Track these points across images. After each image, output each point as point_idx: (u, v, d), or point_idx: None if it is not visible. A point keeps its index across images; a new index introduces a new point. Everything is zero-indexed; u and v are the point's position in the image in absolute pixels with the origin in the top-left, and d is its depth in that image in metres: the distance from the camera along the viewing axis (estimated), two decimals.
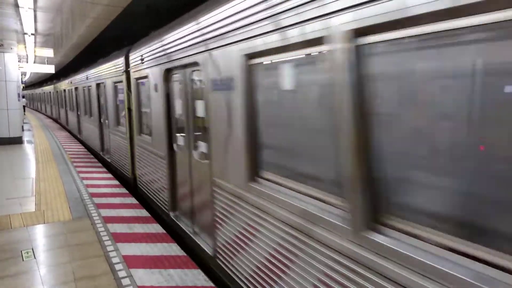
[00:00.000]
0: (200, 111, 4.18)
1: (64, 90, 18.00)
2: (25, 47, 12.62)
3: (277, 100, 2.80)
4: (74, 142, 14.72)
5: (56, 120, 25.37)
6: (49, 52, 13.13)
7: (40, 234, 5.00)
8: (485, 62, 1.45)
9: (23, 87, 23.93)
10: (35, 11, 8.16)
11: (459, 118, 1.55)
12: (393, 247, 1.77)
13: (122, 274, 3.87)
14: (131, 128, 7.39)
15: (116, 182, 8.01)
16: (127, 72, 7.27)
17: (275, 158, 2.91)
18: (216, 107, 3.55)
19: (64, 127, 20.71)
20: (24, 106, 25.37)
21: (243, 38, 2.95)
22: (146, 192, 6.56)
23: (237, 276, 3.42)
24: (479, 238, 1.52)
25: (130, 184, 7.76)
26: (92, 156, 11.53)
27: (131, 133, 7.43)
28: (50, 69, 15.99)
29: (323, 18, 2.06)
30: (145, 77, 6.10)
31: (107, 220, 5.51)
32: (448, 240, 1.62)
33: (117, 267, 4.03)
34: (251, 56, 2.93)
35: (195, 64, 4.07)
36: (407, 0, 1.60)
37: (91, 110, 11.64)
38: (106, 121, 9.71)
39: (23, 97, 23.49)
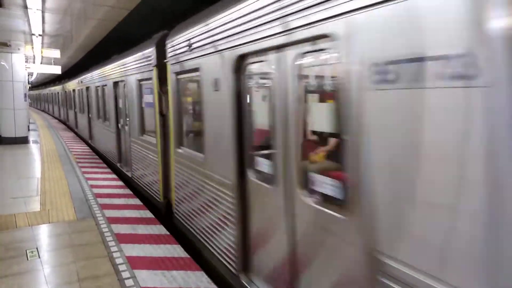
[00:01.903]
0: (321, 121, 2.60)
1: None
2: (33, 47, 12.74)
3: None
4: (79, 143, 14.81)
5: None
6: (56, 53, 13.25)
7: (44, 234, 5.03)
8: None
9: (29, 87, 23.93)
10: (43, 12, 8.25)
11: None
12: None
13: (125, 275, 3.88)
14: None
15: (120, 183, 8.04)
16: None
17: None
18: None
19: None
20: None
21: None
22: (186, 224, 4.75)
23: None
24: None
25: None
26: (97, 157, 11.57)
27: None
28: (57, 70, 16.13)
29: None
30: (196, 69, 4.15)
31: (111, 220, 5.53)
32: None
33: (121, 267, 4.03)
34: None
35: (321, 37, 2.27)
36: None
37: None
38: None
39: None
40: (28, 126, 14.97)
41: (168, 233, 5.11)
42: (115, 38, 11.10)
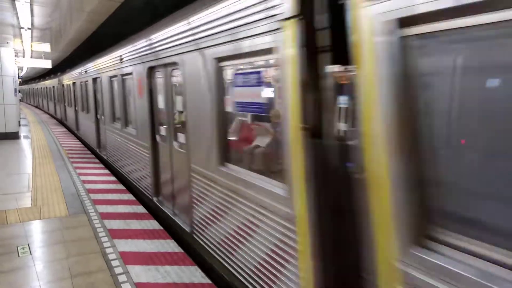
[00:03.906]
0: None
1: None
2: (22, 41, 12.52)
3: None
4: (71, 138, 14.65)
5: None
6: (46, 47, 13.04)
7: (36, 230, 4.97)
8: None
9: (20, 81, 23.46)
10: (31, 5, 8.08)
11: None
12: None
13: (118, 270, 3.86)
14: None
15: (113, 178, 7.98)
16: None
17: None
18: None
19: None
20: (19, 100, 24.43)
21: None
22: None
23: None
24: None
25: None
26: (89, 152, 11.46)
27: None
28: (47, 64, 15.90)
29: None
30: None
31: (103, 216, 5.49)
32: None
33: (114, 263, 4.01)
34: None
35: None
36: None
37: None
38: None
39: (19, 91, 18.91)
40: (19, 122, 14.77)
41: (162, 227, 5.09)
42: (106, 32, 10.94)
